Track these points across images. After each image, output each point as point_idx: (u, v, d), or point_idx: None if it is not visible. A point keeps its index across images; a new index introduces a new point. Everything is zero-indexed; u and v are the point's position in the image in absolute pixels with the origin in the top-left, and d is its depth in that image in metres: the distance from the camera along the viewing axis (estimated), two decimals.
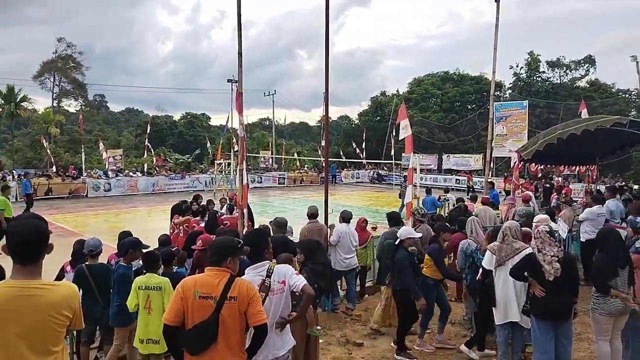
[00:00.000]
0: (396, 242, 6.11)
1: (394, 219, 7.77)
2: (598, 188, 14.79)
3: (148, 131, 34.89)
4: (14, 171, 26.94)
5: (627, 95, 44.34)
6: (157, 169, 32.15)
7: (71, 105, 54.87)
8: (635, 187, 18.28)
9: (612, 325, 4.94)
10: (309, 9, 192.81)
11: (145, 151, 34.51)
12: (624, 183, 22.32)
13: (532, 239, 4.89)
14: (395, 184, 33.05)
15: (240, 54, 7.79)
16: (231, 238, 3.48)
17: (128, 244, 5.58)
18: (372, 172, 39.45)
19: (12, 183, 21.55)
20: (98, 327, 5.58)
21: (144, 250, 5.37)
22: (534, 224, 6.04)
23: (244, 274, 3.50)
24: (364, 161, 38.66)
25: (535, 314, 4.73)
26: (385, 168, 38.26)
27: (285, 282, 3.57)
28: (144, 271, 5.11)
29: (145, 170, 30.89)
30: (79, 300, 2.49)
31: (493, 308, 5.45)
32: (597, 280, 4.95)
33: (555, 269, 4.56)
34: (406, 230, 6.18)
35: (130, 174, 29.09)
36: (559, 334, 4.69)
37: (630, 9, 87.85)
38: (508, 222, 5.64)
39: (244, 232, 7.33)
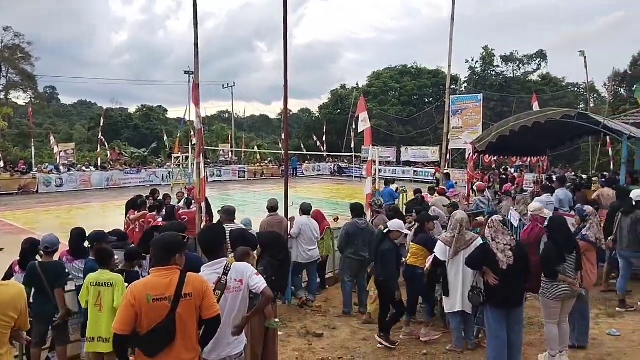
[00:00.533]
0: (384, 231, 6.14)
1: (357, 211, 7.83)
2: (549, 177, 15.33)
3: (102, 124, 33.74)
4: None
5: (576, 89, 46.17)
6: (111, 163, 31.20)
7: (20, 98, 52.31)
8: (584, 176, 19.04)
9: (560, 309, 5.15)
10: (267, 0, 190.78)
11: (99, 145, 33.31)
12: (573, 173, 23.24)
13: (487, 228, 5.02)
14: (355, 177, 33.34)
15: (196, 44, 7.65)
16: (174, 234, 3.38)
17: (93, 237, 5.44)
18: (332, 165, 39.67)
19: None
20: (50, 327, 5.38)
21: (101, 246, 5.23)
22: (529, 212, 6.19)
23: (199, 271, 3.43)
24: (325, 154, 38.77)
25: (489, 303, 4.86)
26: (345, 161, 38.50)
27: (243, 281, 3.51)
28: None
29: (99, 164, 29.91)
30: (26, 301, 2.40)
31: (444, 297, 5.61)
32: (545, 266, 5.15)
33: (508, 257, 4.71)
34: (397, 223, 6.16)
35: (84, 168, 28.14)
36: (512, 320, 4.85)
37: (579, 8, 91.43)
38: (459, 213, 5.75)
39: (201, 227, 7.23)
